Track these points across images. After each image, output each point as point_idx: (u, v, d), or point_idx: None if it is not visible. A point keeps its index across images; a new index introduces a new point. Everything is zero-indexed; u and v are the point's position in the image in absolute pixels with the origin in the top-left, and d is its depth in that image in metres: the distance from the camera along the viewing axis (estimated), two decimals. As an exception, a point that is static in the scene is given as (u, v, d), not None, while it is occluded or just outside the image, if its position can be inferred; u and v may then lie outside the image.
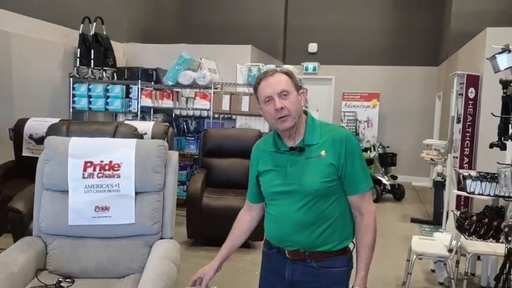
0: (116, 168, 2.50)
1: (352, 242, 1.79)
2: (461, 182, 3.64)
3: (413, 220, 6.22)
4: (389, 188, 7.34)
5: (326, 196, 1.70)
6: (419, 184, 7.24)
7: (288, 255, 1.75)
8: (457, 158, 5.62)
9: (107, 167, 2.50)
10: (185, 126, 6.91)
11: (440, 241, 3.90)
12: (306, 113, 1.80)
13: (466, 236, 3.35)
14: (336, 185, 1.71)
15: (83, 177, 2.49)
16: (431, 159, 6.32)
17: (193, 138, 6.38)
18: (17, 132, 4.96)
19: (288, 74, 1.73)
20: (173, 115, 6.83)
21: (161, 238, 2.59)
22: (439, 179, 6.01)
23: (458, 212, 3.52)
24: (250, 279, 3.99)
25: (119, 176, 2.50)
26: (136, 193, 2.55)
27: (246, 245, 4.84)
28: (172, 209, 2.65)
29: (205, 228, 4.72)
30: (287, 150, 1.75)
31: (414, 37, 9.01)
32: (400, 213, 6.70)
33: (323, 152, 1.71)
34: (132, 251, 2.51)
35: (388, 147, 7.81)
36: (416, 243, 3.83)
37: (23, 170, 4.81)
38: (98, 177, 2.49)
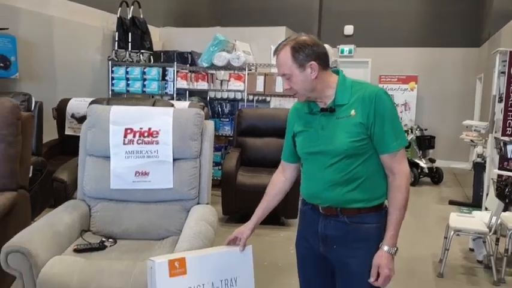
0: (154, 135, 2.58)
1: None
2: (502, 156, 3.53)
3: (451, 202, 6.09)
4: (427, 171, 7.20)
5: (355, 156, 1.70)
6: (458, 167, 7.07)
7: (321, 211, 1.78)
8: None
9: (146, 134, 2.58)
10: (220, 109, 6.99)
11: (479, 218, 3.81)
12: (337, 72, 1.80)
13: (505, 201, 3.25)
14: (365, 145, 1.70)
15: (124, 144, 2.58)
16: (471, 140, 6.15)
17: (227, 120, 6.44)
18: (59, 112, 5.17)
19: (293, 47, 1.68)
20: (208, 98, 6.91)
21: (198, 203, 2.66)
22: (479, 160, 5.85)
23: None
24: (284, 252, 4.04)
25: (157, 143, 2.58)
26: (174, 159, 2.62)
27: (280, 223, 4.89)
28: (208, 176, 2.71)
29: (239, 206, 4.80)
30: (319, 111, 1.77)
31: (453, 17, 8.73)
32: (437, 196, 6.57)
33: (353, 112, 1.71)
34: (171, 214, 2.59)
35: (426, 129, 7.64)
36: (455, 220, 3.76)
37: (66, 148, 5.01)
38: (138, 143, 2.58)
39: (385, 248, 1.68)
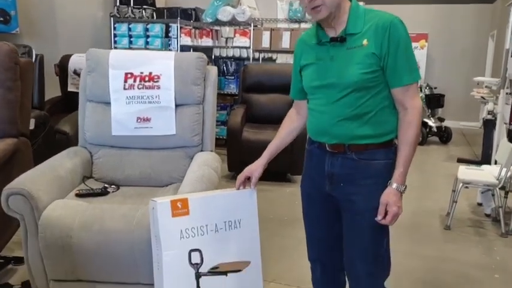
0: (155, 80, 2.50)
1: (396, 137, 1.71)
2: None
3: (459, 160, 6.01)
4: (435, 130, 7.10)
5: (366, 89, 1.61)
6: (467, 126, 6.96)
7: (328, 149, 1.71)
8: (510, 94, 5.30)
9: (147, 78, 2.51)
10: (225, 67, 6.86)
11: (488, 171, 3.75)
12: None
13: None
14: (377, 77, 1.61)
15: (124, 89, 2.51)
16: (482, 97, 6.00)
17: (233, 78, 6.33)
18: (61, 69, 5.09)
19: None
20: (213, 56, 6.78)
21: (201, 151, 2.61)
22: (489, 117, 5.72)
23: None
24: (289, 207, 4.02)
25: (158, 88, 2.50)
26: (177, 105, 2.55)
27: (286, 179, 4.87)
28: (212, 123, 2.65)
29: (245, 162, 4.66)
30: (328, 41, 1.67)
31: (466, -28, 8.41)
32: (445, 155, 6.50)
33: (365, 41, 1.60)
34: (174, 161, 2.55)
35: (435, 88, 7.49)
36: (463, 172, 3.70)
37: (69, 104, 4.94)
38: (139, 88, 2.50)
39: (394, 185, 1.61)
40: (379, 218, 1.62)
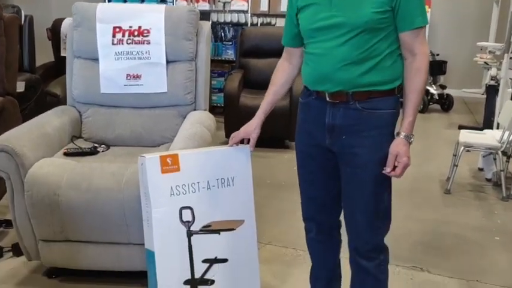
0: (145, 34, 2.39)
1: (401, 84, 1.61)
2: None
3: (461, 127, 5.90)
4: (437, 97, 6.97)
5: (375, 30, 1.50)
6: (469, 93, 6.84)
7: (328, 99, 1.59)
8: (514, 58, 5.16)
9: (136, 33, 2.39)
10: (222, 33, 6.70)
11: (490, 135, 3.66)
12: None
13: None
14: (388, 18, 1.50)
15: (113, 44, 2.40)
16: (485, 62, 5.87)
17: (230, 43, 6.18)
18: (54, 33, 4.94)
19: None
20: (210, 21, 6.60)
21: (195, 110, 2.51)
22: (492, 83, 5.60)
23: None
24: (287, 172, 3.96)
25: (148, 43, 2.39)
26: (168, 62, 2.45)
27: (284, 146, 4.79)
28: (205, 81, 2.54)
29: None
30: None
31: None
32: (447, 122, 6.40)
33: None
34: (166, 120, 2.46)
35: (437, 55, 7.32)
36: (465, 136, 3.61)
37: (62, 69, 4.80)
38: (128, 43, 2.39)
39: (403, 135, 1.53)
40: (388, 170, 1.53)
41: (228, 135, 4.84)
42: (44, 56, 4.99)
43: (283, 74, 1.80)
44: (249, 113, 5.15)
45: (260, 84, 5.20)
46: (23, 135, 2.08)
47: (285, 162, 4.30)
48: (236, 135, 1.88)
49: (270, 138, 4.72)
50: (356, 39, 1.50)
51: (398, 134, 1.54)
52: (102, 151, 2.35)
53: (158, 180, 1.79)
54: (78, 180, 1.99)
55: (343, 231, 1.77)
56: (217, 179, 1.92)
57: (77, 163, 2.10)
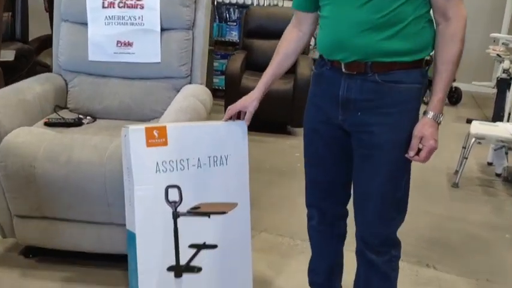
0: (139, -2, 2.19)
1: (430, 55, 1.40)
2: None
3: (469, 121, 5.71)
4: (445, 90, 6.77)
5: None
6: (479, 88, 6.63)
7: (344, 70, 1.39)
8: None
9: (129, -4, 2.19)
10: (227, 14, 6.50)
11: (503, 127, 3.47)
12: None
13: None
14: None
15: (103, 7, 2.21)
16: (498, 55, 5.65)
17: (235, 24, 5.98)
18: (51, 4, 4.73)
19: None
20: (215, 2, 6.39)
21: (190, 83, 2.32)
22: (504, 76, 5.39)
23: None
24: (288, 158, 3.78)
25: (142, 7, 2.20)
26: (163, 29, 2.25)
27: (286, 132, 4.61)
28: (203, 52, 2.35)
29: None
30: None
31: None
32: (454, 116, 6.20)
33: None
34: (158, 93, 2.27)
35: (447, 46, 7.10)
36: (477, 127, 3.42)
37: (58, 42, 4.64)
38: (119, 7, 2.20)
39: (431, 114, 1.32)
40: (411, 154, 1.34)
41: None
42: (42, 28, 4.80)
43: (290, 42, 1.59)
44: (250, 96, 4.93)
45: (263, 66, 4.92)
46: (-1, 101, 1.90)
47: (286, 149, 4.12)
48: (232, 108, 1.69)
49: (272, 123, 4.54)
50: (376, 1, 1.29)
51: (425, 113, 1.34)
52: (87, 123, 2.17)
53: (142, 154, 1.61)
54: (56, 151, 1.81)
55: (350, 221, 1.59)
56: (209, 157, 1.74)
57: (57, 134, 1.92)
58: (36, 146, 1.82)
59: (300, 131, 4.49)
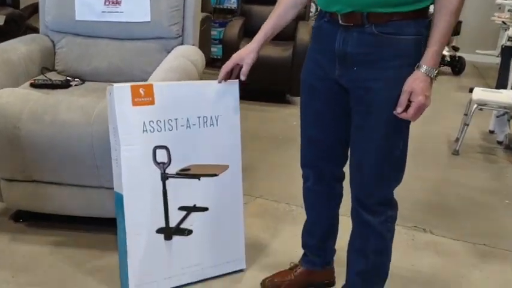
0: (126, -48, 2.09)
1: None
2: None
3: (471, 90, 5.61)
4: (448, 59, 6.63)
5: None
6: (481, 59, 6.50)
7: (341, 22, 1.31)
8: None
9: (116, -50, 2.09)
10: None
11: (506, 94, 3.38)
12: None
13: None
14: None
15: (89, -37, 2.10)
16: (503, 22, 5.50)
17: (233, -10, 5.80)
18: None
19: None
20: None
21: (182, 44, 2.24)
22: (509, 44, 5.25)
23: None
24: (286, 127, 3.72)
25: (130, -37, 2.09)
26: (152, -13, 2.15)
27: (285, 101, 4.53)
28: (196, 11, 2.25)
29: (242, 81, 4.40)
30: None
31: None
32: (457, 85, 6.10)
33: None
34: (148, 54, 2.19)
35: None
36: (479, 93, 3.34)
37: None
38: (106, -37, 2.10)
39: (424, 68, 1.23)
40: (398, 110, 1.26)
41: (225, 87, 4.60)
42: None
43: None
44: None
45: (262, 34, 4.91)
46: (-20, 60, 1.83)
47: (285, 117, 4.05)
48: (227, 64, 1.60)
49: (270, 92, 4.46)
50: None
51: (418, 66, 1.25)
52: (75, 85, 2.10)
53: (128, 114, 1.55)
54: (41, 112, 1.75)
55: (346, 184, 1.54)
56: (199, 117, 1.68)
57: (42, 95, 1.86)
58: (20, 107, 1.76)
59: (298, 99, 4.44)
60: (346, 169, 1.51)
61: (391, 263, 1.49)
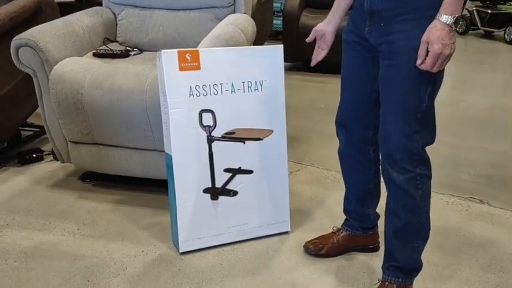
0: None
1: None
2: None
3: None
4: None
5: None
6: None
7: None
8: None
9: None
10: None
11: None
12: None
13: None
14: None
15: None
16: None
17: (297, -39, 5.69)
18: None
19: None
20: None
21: (233, 13, 2.28)
22: None
23: None
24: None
25: None
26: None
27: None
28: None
29: (302, 51, 4.34)
30: None
31: None
32: None
33: None
34: (201, 23, 2.26)
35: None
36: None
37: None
38: None
39: (441, 17, 1.20)
40: (418, 61, 1.25)
41: (287, 59, 4.55)
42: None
43: None
44: (309, 34, 4.82)
45: (324, 3, 4.81)
46: (48, 31, 1.99)
47: (337, 88, 3.99)
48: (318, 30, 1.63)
49: (328, 63, 4.38)
50: None
51: (436, 16, 1.22)
52: (134, 54, 2.23)
53: (175, 78, 1.63)
54: (101, 79, 1.89)
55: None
56: (243, 82, 1.73)
57: (102, 63, 2.00)
58: (82, 75, 1.91)
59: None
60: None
61: (439, 228, 1.44)
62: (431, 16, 1.23)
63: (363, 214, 1.69)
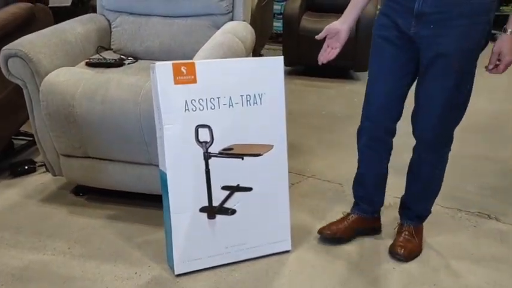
0: None
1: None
2: None
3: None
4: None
5: None
6: None
7: None
8: None
9: None
10: (290, -48, 6.14)
11: None
12: None
13: None
14: None
15: None
16: None
17: (297, -38, 5.61)
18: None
19: None
20: None
21: (231, 20, 2.20)
22: None
23: None
24: (346, 104, 3.60)
25: None
26: (202, -38, 2.12)
27: (348, 76, 4.39)
28: (246, -14, 2.20)
29: (302, 55, 4.28)
30: None
31: None
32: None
33: None
34: (198, 31, 2.18)
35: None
36: None
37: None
38: None
39: (509, 31, 1.44)
40: (490, 67, 1.50)
41: (287, 63, 4.47)
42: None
43: None
44: (310, 38, 4.73)
45: (324, 6, 4.72)
46: (39, 41, 1.91)
47: (346, 94, 3.93)
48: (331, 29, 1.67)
49: (334, 67, 4.31)
50: None
51: (504, 30, 1.45)
52: (129, 63, 2.15)
53: (170, 92, 1.55)
54: (93, 90, 1.80)
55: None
56: (242, 96, 1.65)
57: (95, 73, 1.91)
58: (74, 85, 1.83)
59: (362, 75, 4.27)
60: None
61: (447, 249, 1.74)
62: (483, 22, 1.43)
63: (376, 198, 1.85)
